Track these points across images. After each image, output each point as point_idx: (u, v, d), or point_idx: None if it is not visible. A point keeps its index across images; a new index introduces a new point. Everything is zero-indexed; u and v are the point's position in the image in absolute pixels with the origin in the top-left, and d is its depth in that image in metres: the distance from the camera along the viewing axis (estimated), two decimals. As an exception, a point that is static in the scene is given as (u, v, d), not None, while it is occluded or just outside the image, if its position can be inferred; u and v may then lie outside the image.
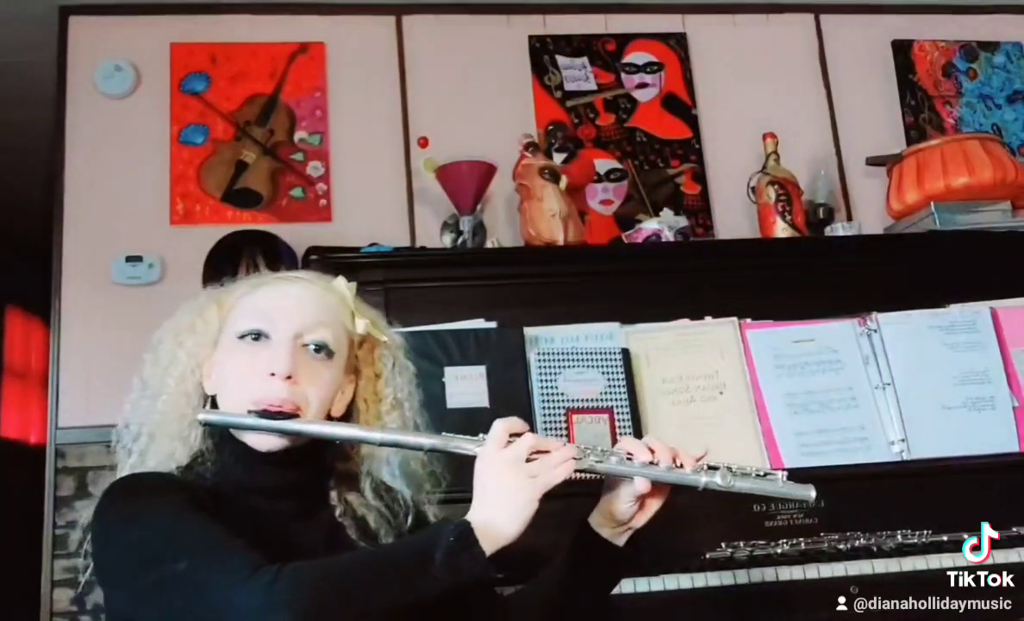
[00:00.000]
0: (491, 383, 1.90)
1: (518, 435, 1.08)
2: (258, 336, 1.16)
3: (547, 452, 1.08)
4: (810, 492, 1.13)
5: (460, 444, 1.11)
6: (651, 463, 1.12)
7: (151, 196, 2.66)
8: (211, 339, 1.20)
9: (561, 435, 1.86)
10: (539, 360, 1.95)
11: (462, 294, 2.08)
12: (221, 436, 1.17)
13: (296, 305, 1.18)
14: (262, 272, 1.28)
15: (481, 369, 1.91)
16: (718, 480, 1.12)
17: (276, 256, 2.42)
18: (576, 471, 1.09)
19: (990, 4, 3.17)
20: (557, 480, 1.05)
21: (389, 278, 2.08)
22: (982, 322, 2.07)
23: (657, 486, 1.14)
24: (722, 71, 2.98)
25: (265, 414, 1.11)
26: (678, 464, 1.13)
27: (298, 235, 2.57)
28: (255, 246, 2.43)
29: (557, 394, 1.92)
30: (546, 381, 1.93)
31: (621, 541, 1.19)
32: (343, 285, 1.26)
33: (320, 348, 1.17)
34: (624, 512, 1.16)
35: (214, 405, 1.18)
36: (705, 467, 1.13)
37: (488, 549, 1.01)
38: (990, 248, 2.32)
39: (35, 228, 3.43)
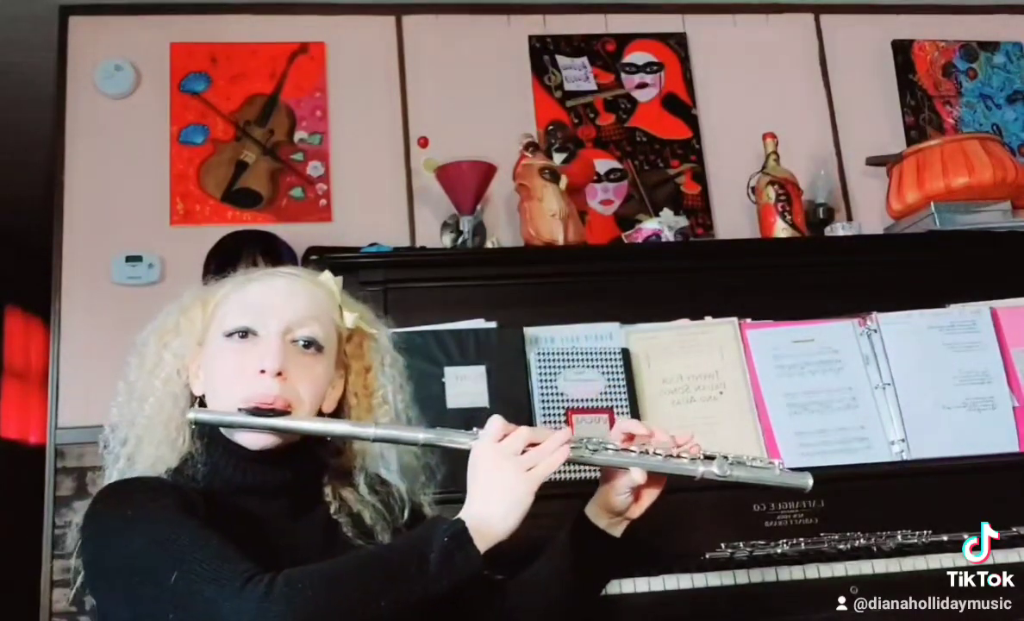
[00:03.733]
0: (491, 383, 1.89)
1: None
2: (246, 333, 1.13)
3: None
4: (807, 480, 1.14)
5: (455, 438, 1.10)
6: (644, 452, 1.11)
7: (151, 196, 2.66)
8: (196, 339, 1.18)
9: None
10: (539, 360, 1.94)
11: (462, 294, 2.08)
12: (211, 437, 1.14)
13: (284, 300, 1.16)
14: (247, 269, 1.25)
15: (481, 369, 1.91)
16: (715, 469, 1.11)
17: (276, 256, 2.41)
18: (571, 462, 1.08)
19: (990, 4, 3.17)
20: (554, 467, 1.04)
21: (389, 278, 2.08)
22: (982, 322, 2.07)
23: (653, 476, 1.13)
24: (722, 71, 2.98)
25: (257, 411, 1.09)
26: (676, 453, 1.12)
27: (298, 235, 2.57)
28: (255, 246, 2.43)
29: (557, 394, 1.92)
30: (546, 381, 1.93)
31: (617, 532, 1.18)
32: (330, 279, 1.23)
33: (310, 343, 1.15)
34: (620, 503, 1.15)
35: (202, 406, 1.15)
36: (702, 456, 1.12)
37: (482, 547, 0.99)
38: (990, 248, 2.32)
39: (35, 228, 3.43)
